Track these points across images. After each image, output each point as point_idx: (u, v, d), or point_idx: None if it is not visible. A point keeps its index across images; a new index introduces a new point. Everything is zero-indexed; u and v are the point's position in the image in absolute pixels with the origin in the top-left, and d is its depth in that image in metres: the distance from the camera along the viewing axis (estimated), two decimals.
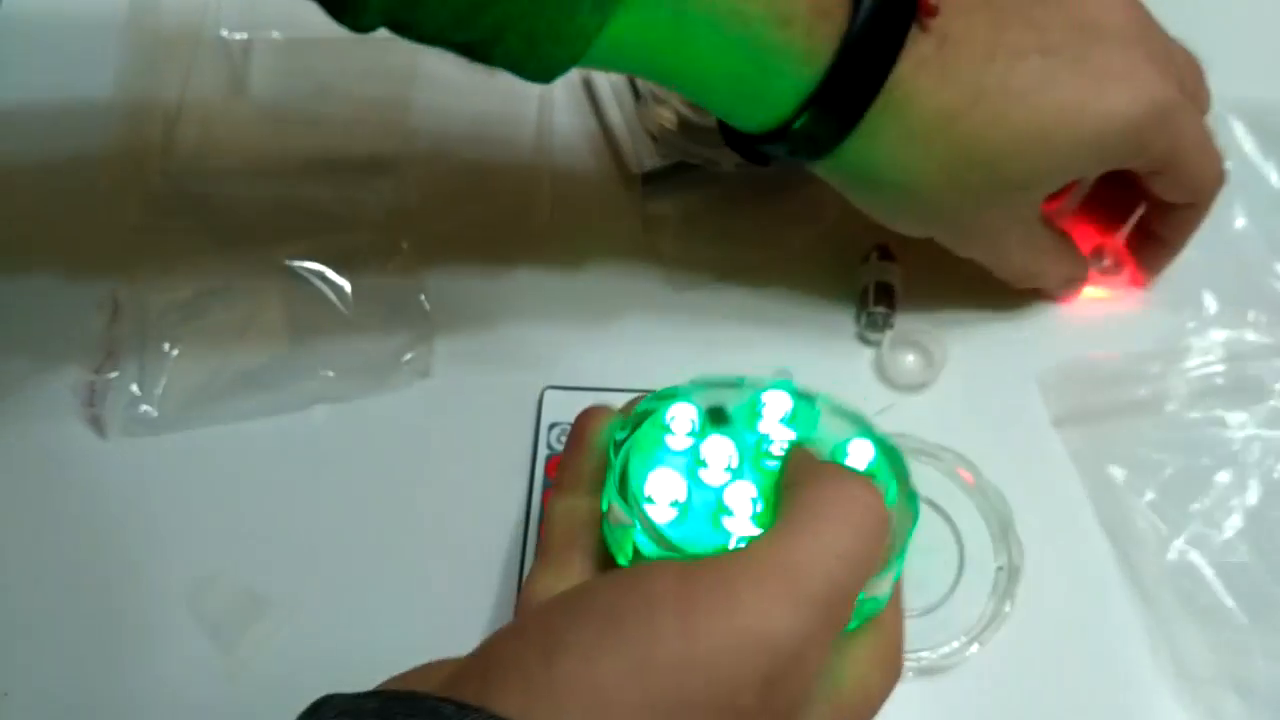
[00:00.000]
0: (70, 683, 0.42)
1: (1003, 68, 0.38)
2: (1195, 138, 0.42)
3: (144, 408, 0.47)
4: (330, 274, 0.49)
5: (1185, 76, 0.43)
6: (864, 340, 0.48)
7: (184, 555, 0.44)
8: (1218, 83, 0.53)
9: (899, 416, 0.46)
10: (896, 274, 0.48)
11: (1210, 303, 0.48)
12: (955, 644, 0.41)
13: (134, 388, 0.47)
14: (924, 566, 0.43)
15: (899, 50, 0.37)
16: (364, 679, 0.43)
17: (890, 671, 0.32)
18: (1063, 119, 0.39)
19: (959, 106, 0.38)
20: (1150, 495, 0.44)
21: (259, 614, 0.43)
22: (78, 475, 0.46)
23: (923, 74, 0.37)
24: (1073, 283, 0.48)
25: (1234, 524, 0.43)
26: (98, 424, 0.46)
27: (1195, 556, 0.43)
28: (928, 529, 0.43)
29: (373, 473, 0.46)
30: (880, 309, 0.47)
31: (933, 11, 0.37)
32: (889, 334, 0.47)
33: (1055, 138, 0.39)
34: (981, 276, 0.47)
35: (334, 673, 0.42)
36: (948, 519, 0.44)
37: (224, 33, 0.55)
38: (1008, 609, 0.41)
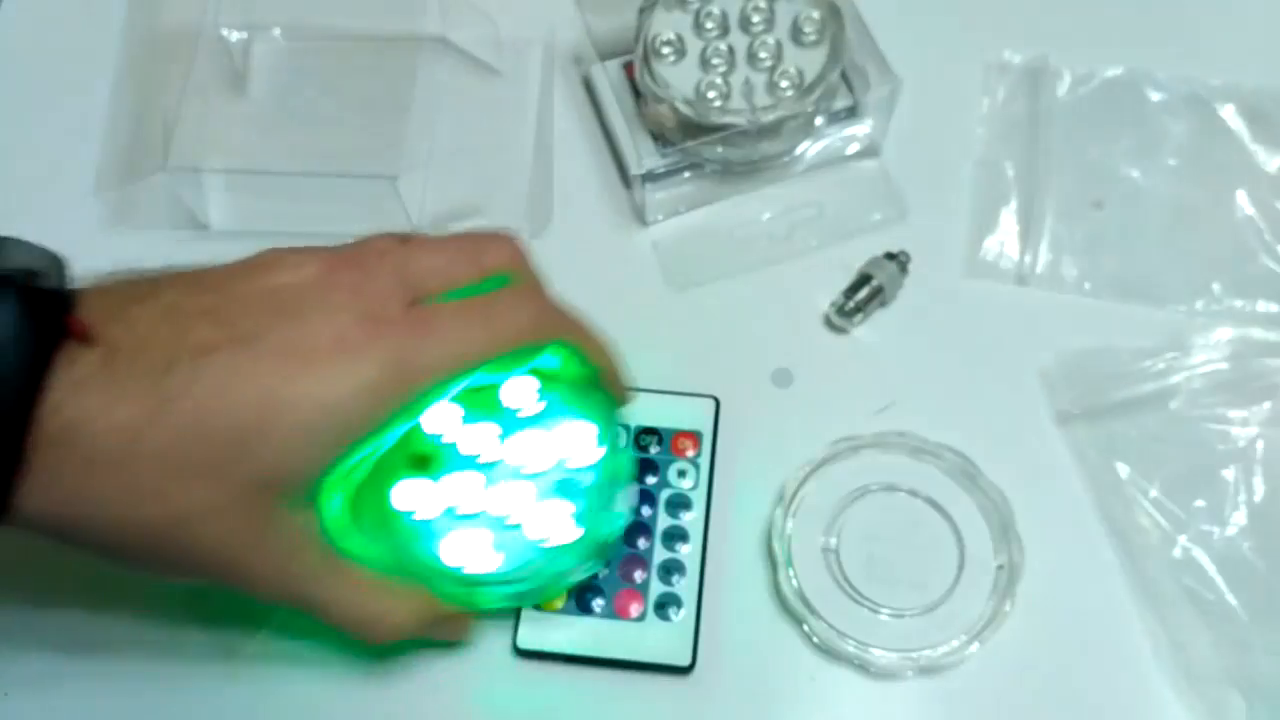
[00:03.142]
0: (70, 683, 0.42)
1: (187, 370, 0.32)
2: (459, 351, 0.36)
3: None
4: None
5: (419, 284, 0.36)
6: (829, 324, 0.48)
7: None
8: (1212, 70, 0.53)
9: (900, 416, 0.46)
10: (893, 276, 0.48)
11: (1217, 293, 0.48)
12: (955, 642, 0.41)
13: None
14: (924, 565, 0.43)
15: (37, 380, 0.31)
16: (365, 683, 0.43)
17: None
18: (264, 412, 0.33)
19: (139, 420, 0.32)
20: (1154, 492, 0.44)
21: (259, 615, 0.43)
22: None
23: (87, 394, 0.32)
24: (431, 617, 0.39)
25: (1238, 521, 0.43)
26: None
27: (1199, 553, 0.43)
28: (928, 528, 0.43)
29: None
30: (853, 300, 0.48)
31: (82, 330, 0.32)
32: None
33: (276, 425, 0.33)
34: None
35: (335, 671, 0.42)
36: (948, 518, 0.43)
37: (224, 32, 0.55)
38: (1008, 608, 0.41)
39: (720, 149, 0.50)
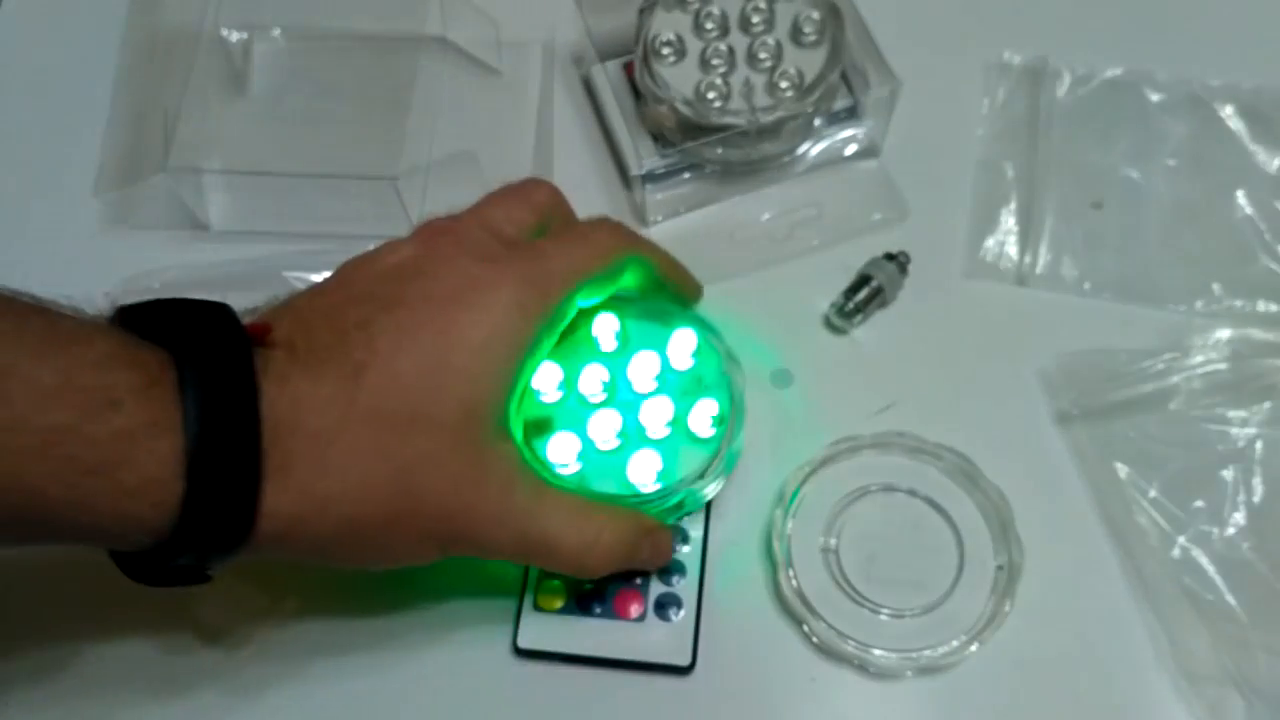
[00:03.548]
0: (70, 683, 0.42)
1: (361, 340, 0.35)
2: (572, 267, 0.39)
3: None
4: None
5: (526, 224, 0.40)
6: (829, 325, 0.48)
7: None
8: (1212, 70, 0.53)
9: (900, 417, 0.46)
10: (893, 277, 0.48)
11: (1217, 293, 0.48)
12: (955, 643, 0.41)
13: None
14: (924, 565, 0.43)
15: (251, 386, 0.33)
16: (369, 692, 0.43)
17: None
18: (442, 351, 0.36)
19: (343, 392, 0.34)
20: (1153, 492, 0.44)
21: (260, 616, 0.43)
22: None
23: (291, 384, 0.34)
24: (649, 540, 0.41)
25: (1237, 521, 0.43)
26: None
27: (1198, 554, 0.43)
28: (928, 528, 0.43)
29: None
30: (853, 300, 0.48)
31: (265, 331, 0.35)
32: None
33: (455, 360, 0.36)
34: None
35: (335, 671, 0.42)
36: (948, 518, 0.43)
37: (224, 33, 0.55)
38: (1008, 608, 0.41)
39: (720, 149, 0.50)
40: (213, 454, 0.31)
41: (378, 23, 0.55)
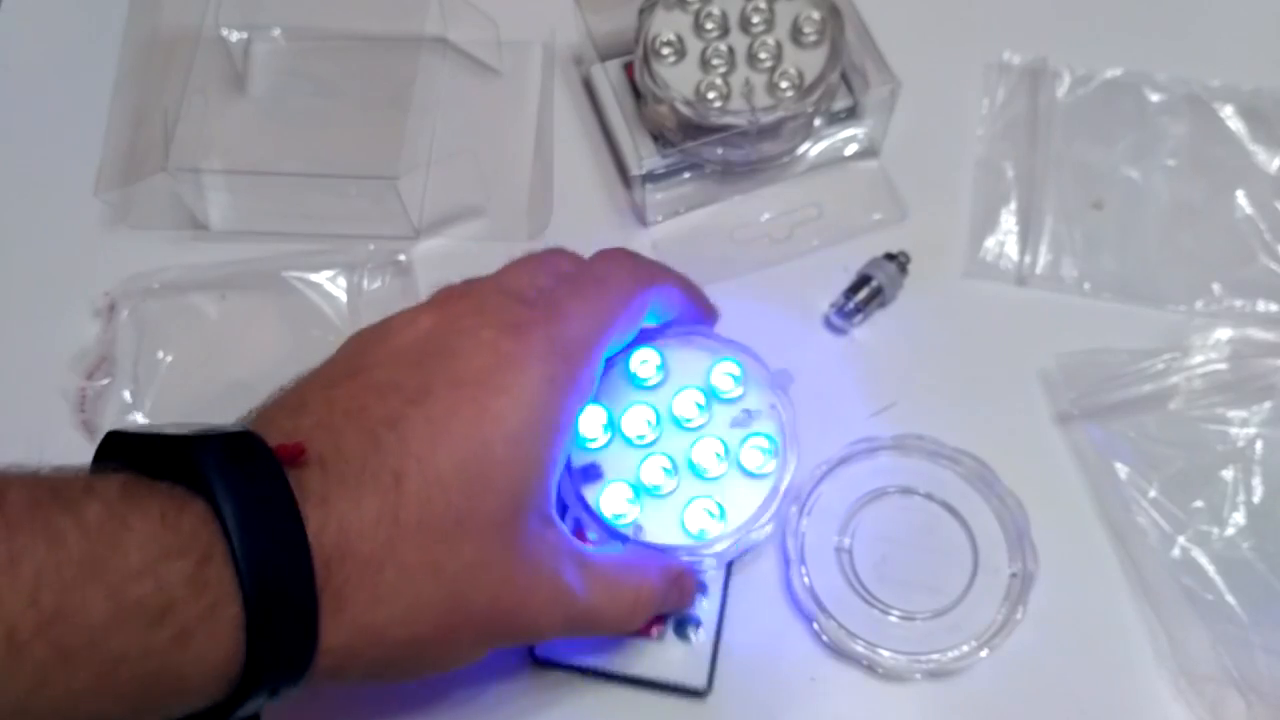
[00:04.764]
0: None
1: (394, 443, 0.33)
2: (596, 318, 0.38)
3: (136, 415, 0.46)
4: (326, 285, 0.49)
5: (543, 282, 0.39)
6: (829, 325, 0.48)
7: None
8: (1211, 70, 0.53)
9: (900, 417, 0.46)
10: (893, 277, 0.48)
11: (1217, 293, 0.49)
12: (966, 648, 0.41)
13: (126, 395, 0.47)
14: (938, 569, 0.43)
15: (307, 549, 0.31)
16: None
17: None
18: (479, 445, 0.34)
19: (387, 506, 0.32)
20: (1153, 492, 0.44)
21: None
22: None
23: (333, 506, 0.32)
24: (675, 588, 0.40)
25: (1237, 521, 0.43)
26: (89, 430, 0.46)
27: (1198, 554, 0.43)
28: (943, 532, 0.43)
29: None
30: (853, 300, 0.48)
31: (299, 452, 0.32)
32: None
33: (495, 452, 0.34)
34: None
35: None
36: (964, 523, 0.43)
37: (224, 32, 0.55)
38: (1019, 616, 0.41)
39: (720, 150, 0.50)
40: (273, 617, 0.30)
41: (378, 23, 0.55)
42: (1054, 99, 0.53)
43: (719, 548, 0.40)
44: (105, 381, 0.47)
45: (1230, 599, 0.42)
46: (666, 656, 0.41)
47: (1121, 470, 0.44)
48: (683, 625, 0.41)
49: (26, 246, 0.52)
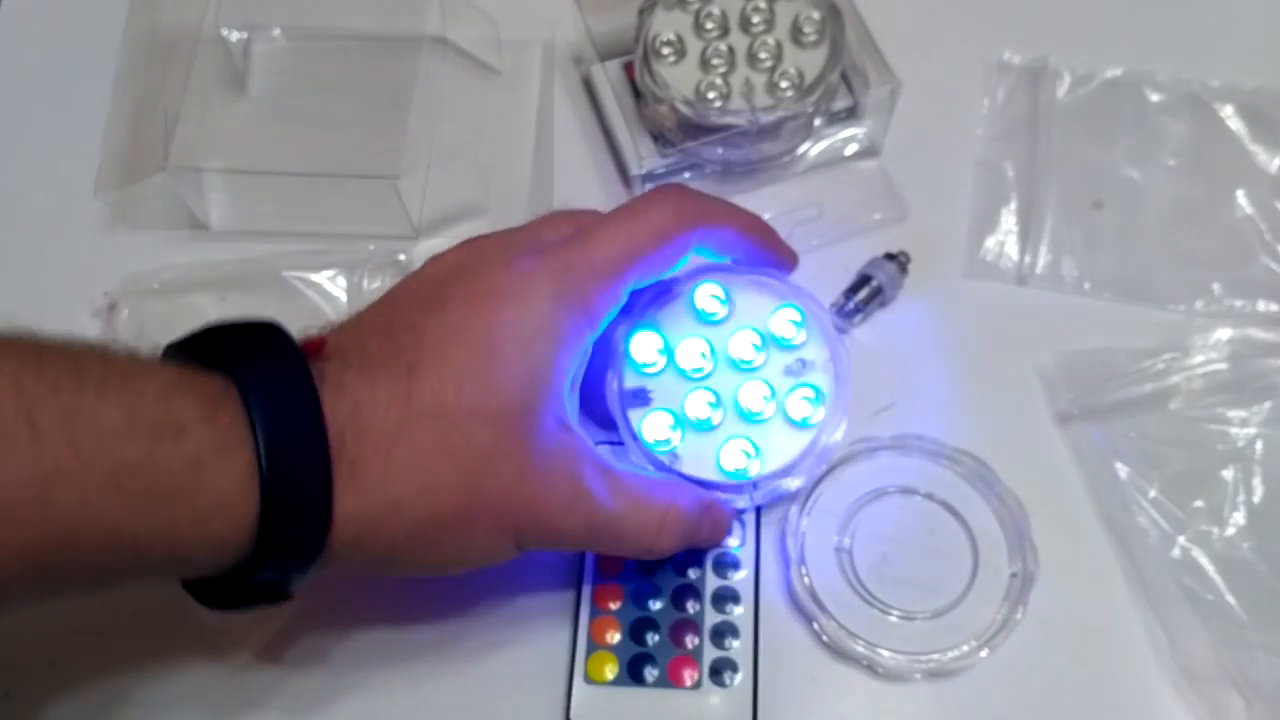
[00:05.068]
0: (70, 683, 0.42)
1: (411, 341, 0.36)
2: (618, 247, 0.38)
3: None
4: (326, 285, 0.49)
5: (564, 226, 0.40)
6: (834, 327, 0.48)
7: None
8: (1212, 70, 0.53)
9: (900, 417, 0.46)
10: (893, 277, 0.48)
11: (1217, 293, 0.48)
12: (965, 648, 0.41)
13: None
14: (938, 569, 0.43)
15: (314, 398, 0.33)
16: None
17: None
18: (490, 344, 0.36)
19: (401, 392, 0.34)
20: (1153, 492, 0.44)
21: (260, 616, 0.43)
22: None
23: (349, 391, 0.34)
24: (713, 516, 0.41)
25: (1237, 521, 0.43)
26: None
27: (1198, 554, 0.43)
28: (943, 532, 0.43)
29: None
30: (853, 300, 0.48)
31: (319, 344, 0.35)
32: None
33: (504, 353, 0.36)
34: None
35: (345, 677, 0.42)
36: (964, 523, 0.43)
37: (224, 32, 0.55)
38: (1019, 616, 0.41)
39: (720, 149, 0.50)
40: (283, 465, 0.32)
41: (378, 23, 0.55)
42: (1054, 99, 0.53)
43: (750, 490, 0.41)
44: None
45: (1230, 599, 0.42)
46: (705, 705, 0.40)
47: (1121, 470, 0.44)
48: (719, 671, 0.40)
49: (26, 246, 0.52)
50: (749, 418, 0.41)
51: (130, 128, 0.52)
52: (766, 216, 0.51)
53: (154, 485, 0.30)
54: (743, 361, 0.42)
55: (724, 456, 0.41)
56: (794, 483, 0.42)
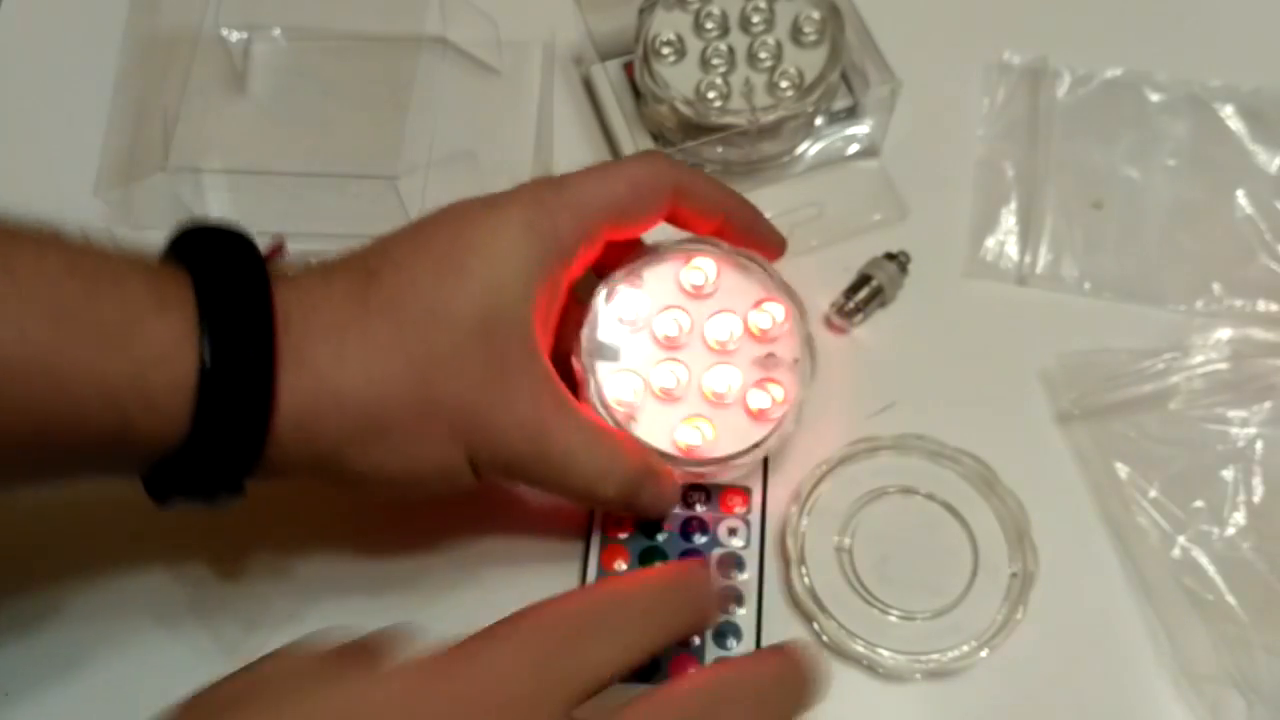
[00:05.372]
0: (70, 683, 0.42)
1: (378, 251, 0.37)
2: (590, 192, 0.39)
3: None
4: None
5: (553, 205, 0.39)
6: (829, 325, 0.48)
7: (180, 557, 0.44)
8: (1212, 70, 0.53)
9: (900, 417, 0.46)
10: (893, 277, 0.48)
11: (1217, 293, 0.48)
12: (966, 648, 0.41)
13: None
14: (938, 569, 0.43)
15: (268, 294, 0.33)
16: None
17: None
18: (458, 254, 0.36)
19: (358, 288, 0.35)
20: (1153, 492, 0.44)
21: (261, 615, 0.43)
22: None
23: (304, 285, 0.35)
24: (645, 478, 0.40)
25: (1237, 521, 0.43)
26: None
27: (1198, 554, 0.43)
28: (943, 532, 0.43)
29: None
30: (853, 300, 0.48)
31: (277, 246, 0.36)
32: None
33: (471, 265, 0.36)
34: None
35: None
36: (964, 523, 0.43)
37: (224, 32, 0.55)
38: (1020, 616, 0.41)
39: (720, 149, 0.50)
40: (223, 327, 0.32)
41: (378, 23, 0.55)
42: (1054, 99, 0.53)
43: (693, 466, 0.41)
44: None
45: (1230, 599, 0.42)
46: None
47: (1122, 470, 0.44)
48: (722, 636, 0.41)
49: None
50: (710, 399, 0.42)
51: (130, 128, 0.53)
52: (766, 216, 0.51)
53: (90, 326, 0.30)
54: (718, 343, 0.42)
55: (679, 432, 0.41)
56: (736, 473, 0.42)
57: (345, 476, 0.36)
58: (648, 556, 0.42)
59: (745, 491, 0.44)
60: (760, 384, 0.42)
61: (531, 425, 0.37)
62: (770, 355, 0.42)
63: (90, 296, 0.30)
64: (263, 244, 0.36)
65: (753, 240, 0.43)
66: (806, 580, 0.42)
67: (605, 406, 0.41)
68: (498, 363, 0.36)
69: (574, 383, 0.41)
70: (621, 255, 0.42)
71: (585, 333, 0.41)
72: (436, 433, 0.35)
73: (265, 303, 0.33)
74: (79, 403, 0.30)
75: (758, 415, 0.41)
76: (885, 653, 0.41)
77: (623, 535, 0.42)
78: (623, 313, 0.42)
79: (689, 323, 0.42)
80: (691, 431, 0.41)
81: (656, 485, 0.41)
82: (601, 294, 0.42)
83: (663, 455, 0.41)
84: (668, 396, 0.41)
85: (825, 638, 0.42)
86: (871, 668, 0.41)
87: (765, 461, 0.44)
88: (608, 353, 0.42)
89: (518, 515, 0.44)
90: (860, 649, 0.41)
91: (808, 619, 0.42)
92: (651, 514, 0.42)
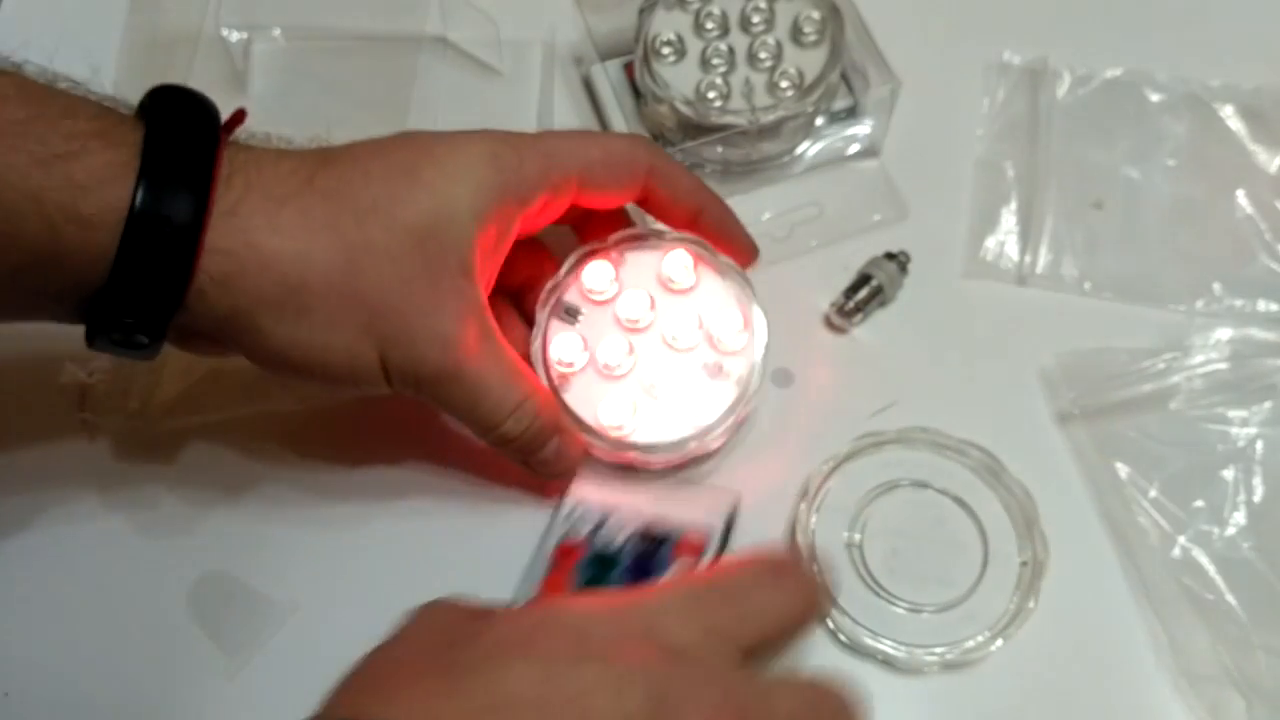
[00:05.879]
0: (70, 683, 0.42)
1: (340, 145, 0.38)
2: (562, 148, 0.40)
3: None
4: None
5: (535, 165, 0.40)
6: (829, 325, 0.48)
7: (179, 557, 0.44)
8: (1212, 70, 0.53)
9: (900, 417, 0.46)
10: (893, 276, 0.48)
11: (1217, 293, 0.48)
12: (979, 639, 0.41)
13: (128, 393, 0.47)
14: (948, 561, 0.43)
15: (214, 146, 0.35)
16: None
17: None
18: (416, 159, 0.37)
19: (306, 166, 0.36)
20: (1154, 492, 0.44)
21: (260, 615, 0.43)
22: (70, 479, 0.45)
23: (256, 153, 0.36)
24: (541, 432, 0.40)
25: (1237, 521, 0.43)
26: (89, 428, 0.46)
27: (1198, 554, 0.43)
28: (952, 524, 0.43)
29: (368, 474, 0.46)
30: (853, 300, 0.48)
31: (239, 116, 0.37)
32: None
33: (424, 173, 0.37)
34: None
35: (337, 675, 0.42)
36: (972, 514, 0.44)
37: (224, 32, 0.55)
38: (1032, 604, 0.41)
39: (720, 149, 0.50)
40: (161, 166, 0.33)
41: (378, 23, 0.55)
42: (1054, 99, 0.53)
43: (606, 444, 0.41)
44: (106, 379, 0.47)
45: (1230, 599, 0.42)
46: None
47: (1122, 470, 0.44)
48: None
49: None
50: (648, 384, 0.42)
51: None
52: (766, 216, 0.51)
53: (33, 143, 0.32)
54: (674, 337, 0.42)
55: (609, 405, 0.41)
56: (650, 464, 0.43)
57: (260, 346, 0.36)
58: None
59: (701, 545, 0.41)
60: (702, 389, 0.42)
61: (450, 341, 0.37)
62: (719, 366, 0.42)
63: (37, 120, 0.32)
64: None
65: (724, 240, 0.43)
66: (818, 576, 0.42)
67: (545, 362, 0.41)
68: (429, 273, 0.36)
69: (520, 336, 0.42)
70: (609, 230, 0.43)
71: (549, 284, 0.42)
72: (353, 322, 0.36)
73: (209, 157, 0.34)
74: (12, 213, 0.32)
75: (687, 417, 0.42)
76: (900, 646, 0.41)
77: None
78: (594, 282, 0.42)
79: (652, 311, 0.42)
80: (617, 412, 0.41)
81: (559, 449, 0.41)
82: (576, 256, 0.43)
83: (579, 422, 0.41)
84: (608, 372, 0.42)
85: (840, 635, 0.42)
86: (888, 662, 0.41)
87: (735, 504, 0.42)
88: (567, 311, 0.42)
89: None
90: (875, 644, 0.41)
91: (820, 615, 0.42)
92: (550, 470, 0.41)
